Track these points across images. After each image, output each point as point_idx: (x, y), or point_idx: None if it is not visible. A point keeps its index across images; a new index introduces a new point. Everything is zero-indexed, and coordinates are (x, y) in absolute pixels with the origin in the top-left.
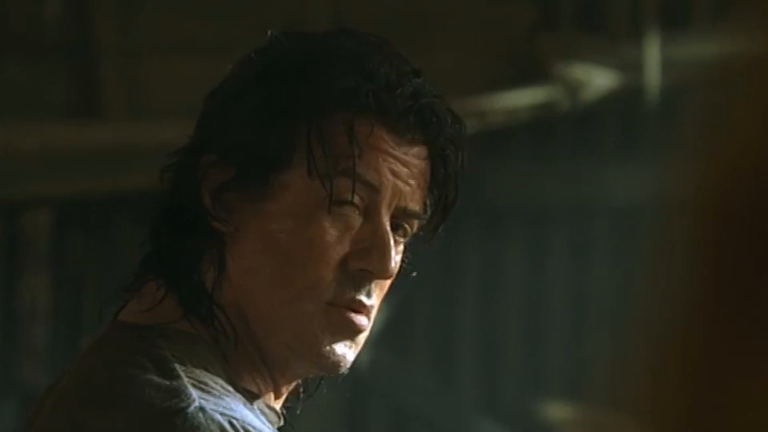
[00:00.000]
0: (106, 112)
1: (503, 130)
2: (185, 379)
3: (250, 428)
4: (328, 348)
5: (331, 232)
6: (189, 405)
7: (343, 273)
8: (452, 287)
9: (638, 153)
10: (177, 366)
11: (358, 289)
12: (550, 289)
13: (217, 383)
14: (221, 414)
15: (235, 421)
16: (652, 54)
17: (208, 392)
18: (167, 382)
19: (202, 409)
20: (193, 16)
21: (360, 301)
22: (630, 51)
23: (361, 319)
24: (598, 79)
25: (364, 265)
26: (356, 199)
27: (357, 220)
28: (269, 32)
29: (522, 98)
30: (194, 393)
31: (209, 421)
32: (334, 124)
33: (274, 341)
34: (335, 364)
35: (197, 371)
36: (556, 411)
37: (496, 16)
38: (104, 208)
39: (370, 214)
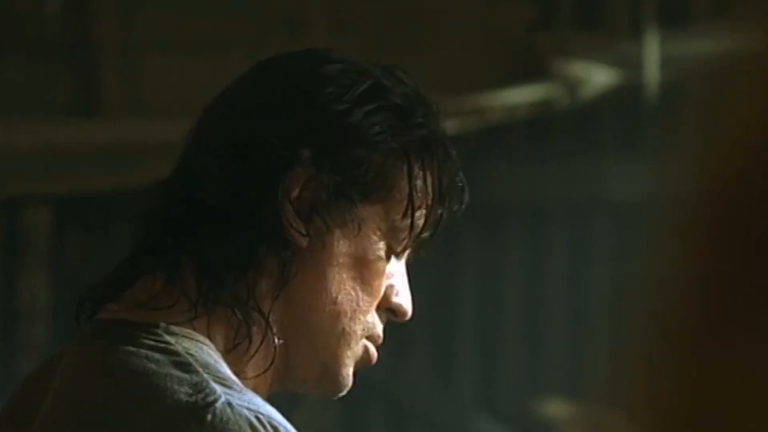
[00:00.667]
0: (107, 111)
1: (502, 128)
2: (204, 374)
3: (277, 424)
4: (348, 376)
5: (391, 268)
6: (216, 399)
7: (378, 309)
8: (451, 285)
9: (637, 150)
10: (192, 361)
11: (382, 326)
12: (549, 286)
13: (234, 380)
14: (248, 409)
15: (261, 417)
16: (651, 51)
17: (230, 387)
18: (188, 377)
19: (229, 404)
20: (194, 14)
21: (381, 338)
22: (629, 48)
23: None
24: (597, 77)
25: (395, 307)
26: None
27: None
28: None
29: (521, 95)
30: (218, 387)
31: (237, 417)
32: (426, 169)
33: (311, 361)
34: (344, 389)
35: (211, 367)
36: (555, 409)
37: (496, 13)
38: (104, 206)
39: (398, 256)
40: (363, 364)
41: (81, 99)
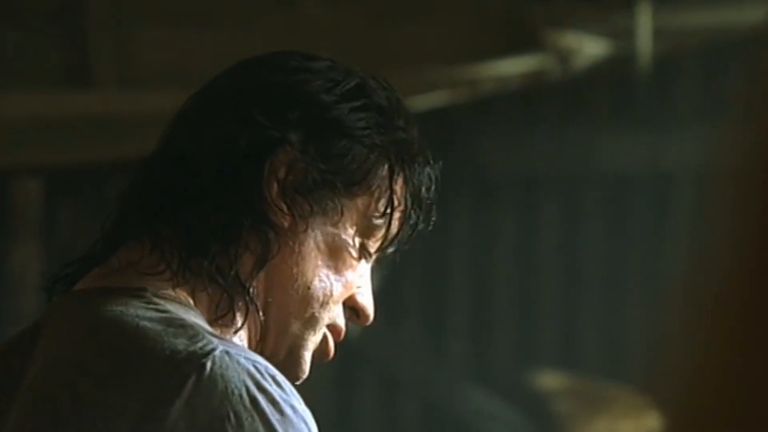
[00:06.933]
0: (98, 82)
1: (495, 98)
2: (197, 328)
3: (274, 373)
4: (307, 362)
5: (360, 267)
6: (215, 348)
7: (343, 305)
8: (443, 255)
9: (629, 121)
10: (185, 317)
11: (344, 322)
12: (541, 257)
13: (224, 337)
14: (245, 358)
15: (259, 365)
16: (644, 22)
17: (224, 339)
18: (183, 330)
19: (227, 352)
20: None
21: (342, 333)
22: (621, 19)
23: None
24: (589, 48)
25: (360, 307)
26: None
27: None
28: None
29: (513, 66)
30: (213, 339)
31: (236, 364)
32: (406, 172)
33: (279, 342)
34: (302, 376)
35: (201, 326)
36: (548, 381)
37: None
38: (95, 177)
39: (368, 257)
40: (319, 356)
41: (72, 71)
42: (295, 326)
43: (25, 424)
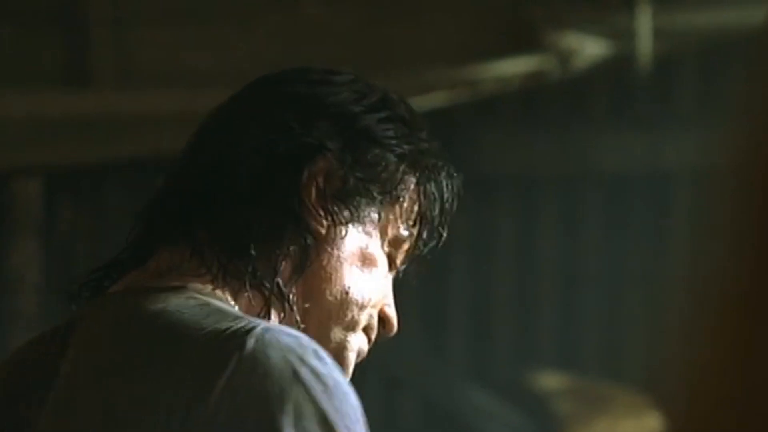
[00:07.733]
0: (96, 81)
1: (495, 99)
2: (238, 313)
3: (316, 348)
4: (352, 362)
5: (389, 276)
6: (256, 326)
7: None
8: (443, 255)
9: (629, 121)
10: (225, 308)
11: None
12: (541, 256)
13: None
14: (287, 335)
15: (302, 340)
16: (644, 22)
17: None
18: (222, 315)
19: (268, 329)
20: None
21: (373, 339)
22: (621, 19)
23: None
24: (589, 48)
25: (386, 316)
26: None
27: None
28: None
29: (513, 67)
30: (255, 320)
31: (277, 341)
32: (432, 182)
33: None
34: (347, 376)
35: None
36: (548, 380)
37: None
38: (94, 176)
39: (393, 267)
40: (359, 356)
41: (70, 69)
42: (336, 331)
43: (61, 426)
